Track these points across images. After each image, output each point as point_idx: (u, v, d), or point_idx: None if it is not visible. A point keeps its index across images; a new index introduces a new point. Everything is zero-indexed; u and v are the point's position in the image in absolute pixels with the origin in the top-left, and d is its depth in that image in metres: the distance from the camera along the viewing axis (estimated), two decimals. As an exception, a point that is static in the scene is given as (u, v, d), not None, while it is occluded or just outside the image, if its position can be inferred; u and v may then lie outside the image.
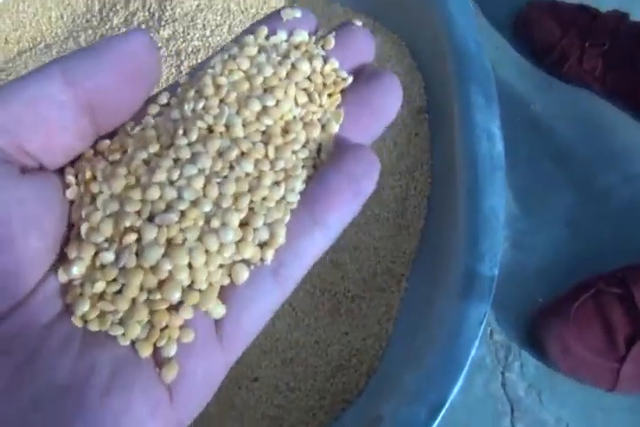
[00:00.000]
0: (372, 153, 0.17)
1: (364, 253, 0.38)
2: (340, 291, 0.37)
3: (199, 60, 0.43)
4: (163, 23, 0.45)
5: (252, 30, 0.19)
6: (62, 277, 0.16)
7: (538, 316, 0.46)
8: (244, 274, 0.16)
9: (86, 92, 0.15)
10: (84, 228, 0.16)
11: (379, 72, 0.18)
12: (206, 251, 0.16)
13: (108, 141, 0.17)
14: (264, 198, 0.17)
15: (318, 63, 0.19)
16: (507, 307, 0.47)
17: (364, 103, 0.18)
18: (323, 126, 0.18)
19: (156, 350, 0.15)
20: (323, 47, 0.19)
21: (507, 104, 0.38)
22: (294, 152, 0.18)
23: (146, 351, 0.15)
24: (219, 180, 0.16)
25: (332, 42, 0.19)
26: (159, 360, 0.15)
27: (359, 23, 0.19)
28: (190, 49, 0.44)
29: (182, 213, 0.16)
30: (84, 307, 0.15)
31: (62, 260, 0.16)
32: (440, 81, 0.38)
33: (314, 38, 0.19)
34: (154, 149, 0.17)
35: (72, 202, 0.16)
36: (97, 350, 0.15)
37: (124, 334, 0.15)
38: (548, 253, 0.49)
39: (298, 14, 0.19)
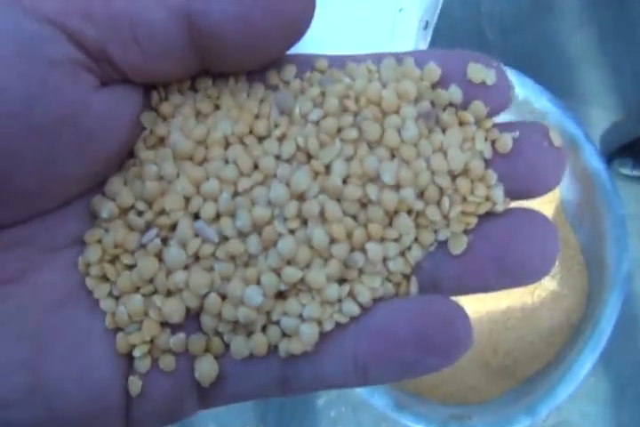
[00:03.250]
0: (465, 327, 0.13)
1: None
2: None
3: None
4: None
5: (422, 60, 0.14)
6: (93, 206, 0.14)
7: None
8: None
9: (203, 32, 0.13)
10: (130, 173, 0.14)
11: (537, 219, 0.14)
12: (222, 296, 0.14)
13: (210, 81, 0.15)
14: (301, 280, 0.13)
15: (475, 165, 0.14)
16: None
17: (495, 253, 0.14)
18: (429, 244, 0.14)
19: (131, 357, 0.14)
20: (493, 144, 0.14)
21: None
22: (386, 260, 0.14)
23: (123, 349, 0.14)
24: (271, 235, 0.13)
25: (508, 144, 0.14)
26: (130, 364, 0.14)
27: (558, 138, 0.14)
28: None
29: (224, 240, 0.14)
30: (92, 256, 0.14)
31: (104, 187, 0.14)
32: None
33: (490, 123, 0.14)
34: (240, 128, 0.14)
35: (144, 128, 0.14)
36: (75, 309, 0.14)
37: (113, 315, 0.14)
38: None
39: (490, 80, 0.14)
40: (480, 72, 0.14)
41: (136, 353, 0.14)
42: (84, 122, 0.13)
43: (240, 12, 0.12)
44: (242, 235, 0.14)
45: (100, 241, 0.14)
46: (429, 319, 0.13)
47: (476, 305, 0.42)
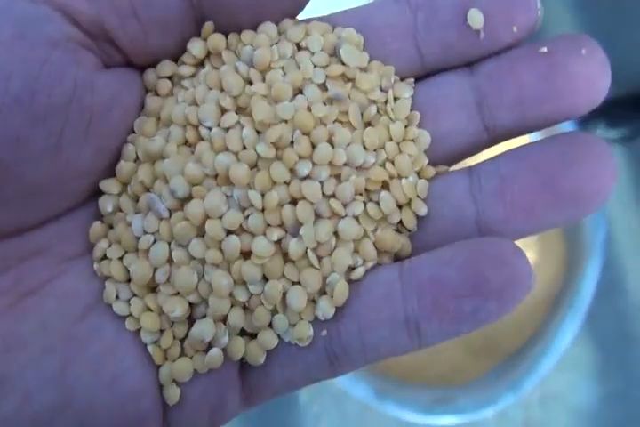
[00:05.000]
0: None
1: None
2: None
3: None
4: None
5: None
6: (101, 205, 0.14)
7: None
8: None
9: None
10: (121, 165, 0.13)
11: (586, 140, 0.13)
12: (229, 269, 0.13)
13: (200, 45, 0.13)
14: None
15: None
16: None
17: (544, 180, 0.13)
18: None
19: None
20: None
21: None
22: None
23: (159, 360, 0.13)
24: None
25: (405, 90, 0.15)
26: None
27: (596, 46, 0.13)
28: None
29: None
30: (98, 250, 0.13)
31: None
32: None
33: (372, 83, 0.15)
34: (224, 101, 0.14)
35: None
36: (100, 317, 0.13)
37: (130, 315, 0.13)
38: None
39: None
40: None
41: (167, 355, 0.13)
42: (88, 104, 0.12)
43: None
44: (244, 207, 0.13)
45: (105, 236, 0.13)
46: (483, 261, 0.12)
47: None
